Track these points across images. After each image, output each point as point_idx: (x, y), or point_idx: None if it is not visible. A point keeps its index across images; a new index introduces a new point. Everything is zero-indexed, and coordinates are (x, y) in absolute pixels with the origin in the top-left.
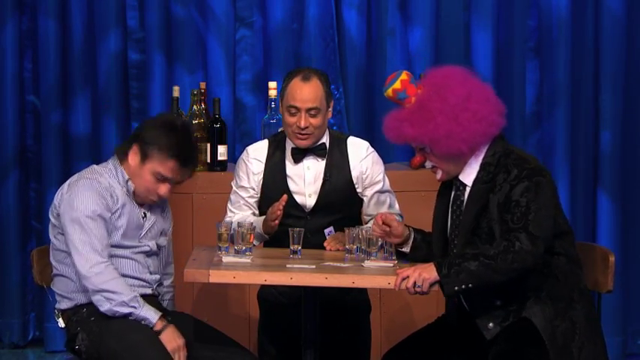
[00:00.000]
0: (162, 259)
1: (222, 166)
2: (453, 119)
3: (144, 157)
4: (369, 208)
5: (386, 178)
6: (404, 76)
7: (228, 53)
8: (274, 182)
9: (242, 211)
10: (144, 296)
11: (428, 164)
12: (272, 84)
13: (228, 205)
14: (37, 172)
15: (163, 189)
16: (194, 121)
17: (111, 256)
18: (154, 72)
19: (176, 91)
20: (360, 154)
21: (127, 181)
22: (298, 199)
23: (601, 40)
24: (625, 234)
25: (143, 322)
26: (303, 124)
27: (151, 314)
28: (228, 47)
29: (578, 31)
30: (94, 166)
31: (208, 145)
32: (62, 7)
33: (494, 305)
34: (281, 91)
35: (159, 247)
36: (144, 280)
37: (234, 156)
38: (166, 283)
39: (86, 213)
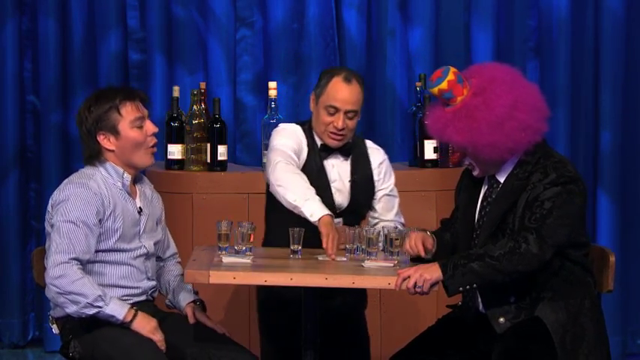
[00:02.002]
0: (161, 246)
1: (222, 166)
2: (499, 129)
3: (113, 129)
4: (376, 211)
5: (394, 183)
6: (451, 75)
7: (228, 53)
8: (312, 175)
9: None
10: (138, 303)
11: (466, 160)
12: (272, 84)
13: (274, 156)
14: (37, 172)
15: (150, 127)
16: (194, 121)
17: (108, 262)
18: (154, 72)
19: (176, 91)
20: (379, 158)
21: (123, 174)
22: (333, 197)
23: (601, 40)
24: (625, 234)
25: (112, 320)
26: (340, 125)
27: (117, 310)
28: (228, 47)
29: (578, 31)
30: (85, 169)
31: (208, 145)
32: (62, 7)
33: (509, 302)
34: (318, 88)
35: (156, 244)
36: (139, 288)
37: (234, 156)
38: (171, 262)
39: (68, 218)
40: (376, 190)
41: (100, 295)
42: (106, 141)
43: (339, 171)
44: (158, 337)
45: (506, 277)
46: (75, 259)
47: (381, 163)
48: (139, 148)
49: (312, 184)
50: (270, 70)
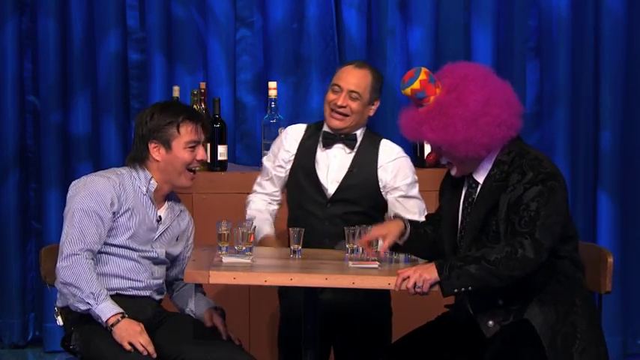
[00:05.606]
0: (180, 267)
1: (222, 166)
2: (474, 124)
3: (166, 143)
4: (393, 213)
5: (415, 185)
6: (423, 75)
7: (228, 53)
8: (302, 164)
9: (269, 183)
10: (136, 297)
11: (443, 160)
12: (272, 84)
13: (258, 178)
14: (37, 172)
15: (200, 153)
16: None
17: (116, 255)
18: (154, 72)
19: (176, 91)
20: (390, 157)
21: (150, 179)
22: (322, 184)
23: (601, 40)
24: (625, 234)
25: (99, 321)
26: (341, 101)
27: (104, 312)
28: (228, 47)
29: (578, 31)
30: (119, 168)
31: (208, 145)
32: (62, 7)
33: (497, 304)
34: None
35: (169, 255)
36: (142, 282)
37: (234, 156)
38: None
39: (81, 206)
40: (383, 188)
41: (92, 293)
42: (155, 151)
43: (340, 162)
44: (139, 340)
45: (502, 282)
46: (85, 249)
47: (389, 162)
48: (183, 168)
49: (298, 172)
50: (270, 70)
